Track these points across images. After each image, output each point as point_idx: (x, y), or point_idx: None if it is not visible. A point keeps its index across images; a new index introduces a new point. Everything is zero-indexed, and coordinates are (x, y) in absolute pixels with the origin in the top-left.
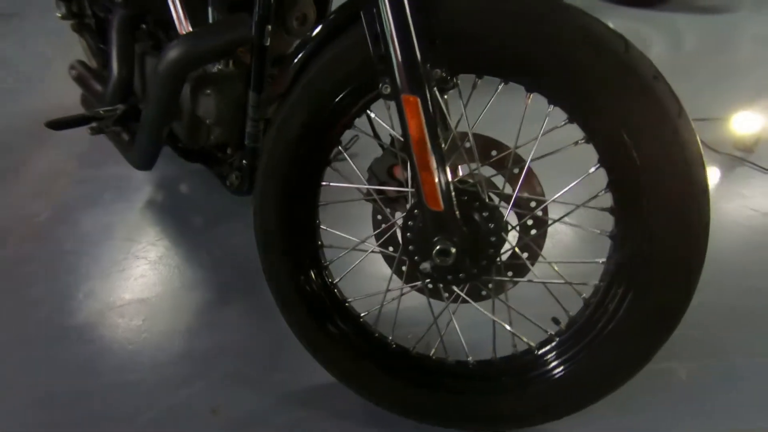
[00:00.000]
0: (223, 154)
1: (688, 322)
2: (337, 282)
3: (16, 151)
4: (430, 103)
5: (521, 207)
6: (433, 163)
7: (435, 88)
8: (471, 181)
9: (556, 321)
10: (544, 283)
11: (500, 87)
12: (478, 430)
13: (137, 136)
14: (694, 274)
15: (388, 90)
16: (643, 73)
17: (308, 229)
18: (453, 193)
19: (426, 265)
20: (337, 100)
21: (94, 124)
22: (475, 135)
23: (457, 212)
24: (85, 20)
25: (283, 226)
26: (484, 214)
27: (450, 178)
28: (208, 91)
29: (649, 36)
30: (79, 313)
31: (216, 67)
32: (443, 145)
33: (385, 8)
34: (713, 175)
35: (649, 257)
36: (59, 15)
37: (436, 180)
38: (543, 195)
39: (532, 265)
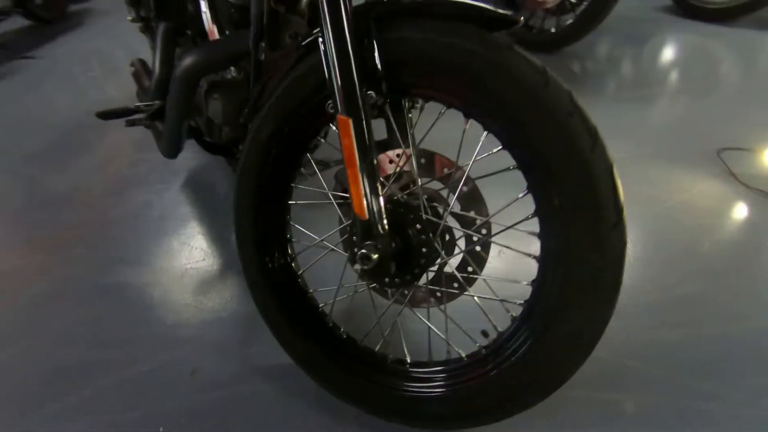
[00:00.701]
0: (237, 149)
1: (661, 360)
2: (301, 273)
3: (90, 134)
4: (364, 124)
5: (461, 223)
6: (360, 177)
7: (389, 109)
8: (416, 194)
9: (485, 334)
10: (473, 297)
11: (444, 111)
12: (404, 424)
13: (163, 129)
14: (606, 306)
15: (332, 110)
16: (557, 109)
17: (279, 225)
18: (380, 205)
19: (357, 267)
20: (299, 114)
21: (137, 116)
22: (425, 152)
23: (384, 222)
24: (150, 23)
25: (256, 220)
26: (417, 226)
27: (380, 192)
28: (216, 96)
29: (719, 54)
30: (107, 276)
31: (230, 75)
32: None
33: (329, 38)
34: (739, 211)
35: (564, 286)
36: (129, 18)
37: (362, 192)
38: (486, 212)
39: (468, 280)
